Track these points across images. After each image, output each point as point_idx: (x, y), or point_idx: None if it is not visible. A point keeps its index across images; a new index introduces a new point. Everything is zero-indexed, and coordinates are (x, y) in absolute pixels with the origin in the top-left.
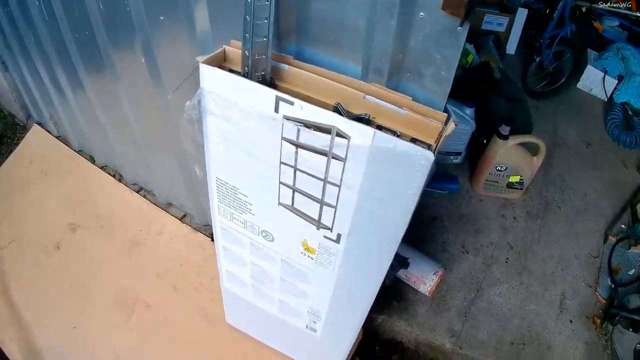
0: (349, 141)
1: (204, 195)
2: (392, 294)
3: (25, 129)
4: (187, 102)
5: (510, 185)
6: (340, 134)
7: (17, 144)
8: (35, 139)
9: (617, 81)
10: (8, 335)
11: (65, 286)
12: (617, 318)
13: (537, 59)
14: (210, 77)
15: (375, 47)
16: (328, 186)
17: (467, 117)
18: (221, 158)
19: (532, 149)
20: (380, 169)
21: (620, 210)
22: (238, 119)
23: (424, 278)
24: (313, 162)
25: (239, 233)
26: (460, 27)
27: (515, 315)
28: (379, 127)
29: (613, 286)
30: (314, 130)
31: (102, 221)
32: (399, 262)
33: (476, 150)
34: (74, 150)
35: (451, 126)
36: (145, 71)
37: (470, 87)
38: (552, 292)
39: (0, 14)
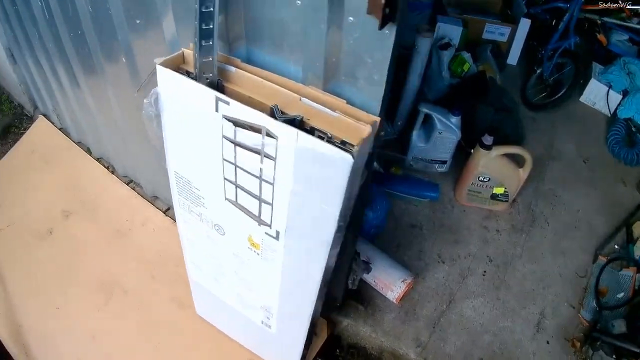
0: (277, 141)
1: None
2: (359, 298)
3: (31, 119)
4: (145, 100)
5: (494, 197)
6: (269, 134)
7: (23, 134)
8: (39, 130)
9: (621, 96)
10: None
11: (53, 269)
12: (598, 343)
13: (538, 71)
14: (165, 78)
15: (311, 51)
16: (263, 184)
17: (452, 126)
18: (177, 153)
19: (520, 161)
20: (306, 169)
21: (614, 230)
22: (188, 116)
23: (391, 285)
24: (249, 160)
25: (197, 226)
26: (387, 31)
27: (487, 330)
28: (312, 129)
29: (598, 309)
30: (248, 129)
31: (93, 210)
32: (360, 266)
33: (463, 159)
34: (74, 142)
35: (367, 129)
36: (126, 69)
37: (464, 96)
38: (530, 310)
39: (10, 10)
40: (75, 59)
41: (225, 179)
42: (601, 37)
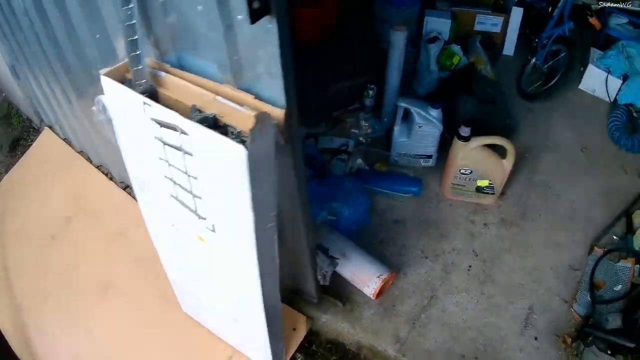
0: (190, 138)
1: None
2: (338, 294)
3: (38, 131)
4: (93, 108)
5: (479, 190)
6: (183, 132)
7: (30, 145)
8: (44, 141)
9: (621, 81)
10: (3, 312)
11: (55, 271)
12: (590, 338)
13: (532, 60)
14: (108, 87)
15: (219, 50)
16: (191, 179)
17: (432, 119)
18: (129, 155)
19: (503, 152)
20: (216, 163)
21: (613, 220)
22: (129, 120)
23: (367, 280)
24: (177, 158)
25: (159, 225)
26: (269, 25)
27: (470, 326)
28: (225, 126)
29: (592, 303)
30: (170, 129)
31: (92, 214)
32: (325, 261)
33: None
34: (76, 151)
35: (251, 120)
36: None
37: (452, 89)
38: (517, 305)
39: (6, 29)
40: (62, 73)
41: (165, 176)
42: (593, 20)
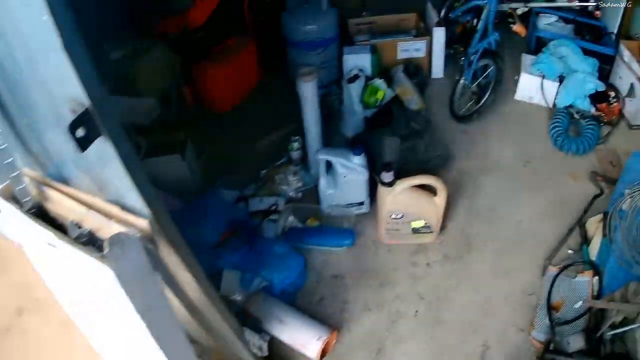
0: (67, 256)
1: None
2: None
3: None
4: None
5: (416, 231)
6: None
7: None
8: None
9: (558, 83)
10: None
11: None
12: None
13: (461, 80)
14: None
15: (81, 165)
16: (86, 295)
17: (356, 167)
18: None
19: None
20: (94, 279)
21: (566, 233)
22: (27, 237)
23: (307, 344)
24: (69, 274)
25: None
26: (105, 143)
27: None
28: (102, 240)
29: (551, 326)
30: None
31: (43, 303)
32: (254, 337)
33: None
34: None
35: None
36: None
37: (376, 128)
38: (471, 344)
39: None
40: None
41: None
42: (517, 28)
